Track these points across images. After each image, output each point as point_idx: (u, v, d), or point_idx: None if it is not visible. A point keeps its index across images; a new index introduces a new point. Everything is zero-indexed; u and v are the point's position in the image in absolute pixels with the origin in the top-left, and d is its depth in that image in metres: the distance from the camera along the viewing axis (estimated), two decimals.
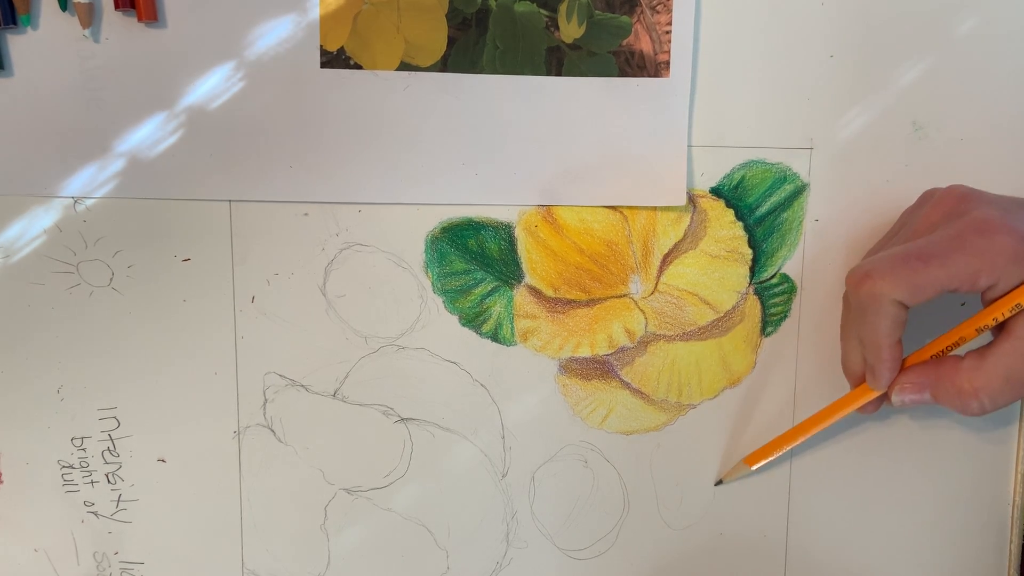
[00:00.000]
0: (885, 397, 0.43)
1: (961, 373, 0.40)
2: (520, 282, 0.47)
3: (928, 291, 0.38)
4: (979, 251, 0.38)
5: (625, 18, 0.45)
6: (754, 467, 0.47)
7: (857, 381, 0.44)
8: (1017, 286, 0.38)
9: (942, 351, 0.42)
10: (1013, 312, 0.39)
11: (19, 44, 0.43)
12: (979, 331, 0.40)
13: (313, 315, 0.46)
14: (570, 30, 0.44)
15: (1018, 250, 0.38)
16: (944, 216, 0.40)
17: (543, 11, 0.44)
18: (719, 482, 0.49)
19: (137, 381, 0.46)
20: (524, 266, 0.47)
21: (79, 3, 0.42)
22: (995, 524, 0.50)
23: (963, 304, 0.47)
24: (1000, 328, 0.40)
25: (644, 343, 0.48)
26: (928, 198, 0.43)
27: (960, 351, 0.42)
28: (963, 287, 0.38)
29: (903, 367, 0.42)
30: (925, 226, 0.41)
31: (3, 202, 0.44)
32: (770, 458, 0.47)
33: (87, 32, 0.42)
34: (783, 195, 0.47)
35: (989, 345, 0.40)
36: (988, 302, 0.40)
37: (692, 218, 0.47)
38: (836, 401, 0.45)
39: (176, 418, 0.47)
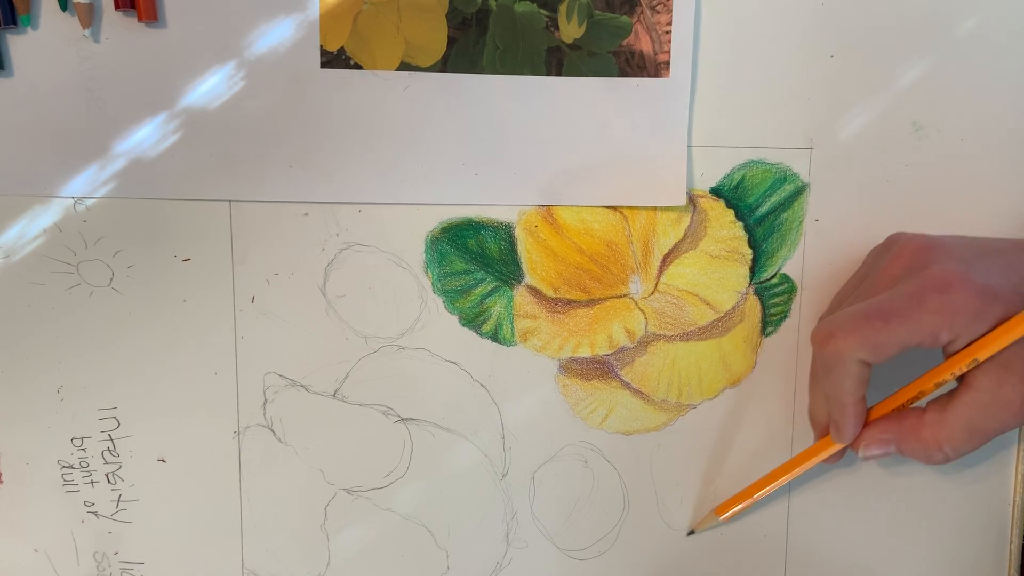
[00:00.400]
0: (848, 447, 0.44)
1: (924, 427, 0.41)
2: (520, 282, 0.47)
3: (891, 349, 0.39)
4: (938, 309, 0.38)
5: (625, 18, 0.45)
6: (723, 517, 0.47)
7: (822, 432, 0.45)
8: (974, 341, 0.39)
9: (903, 404, 0.42)
10: (970, 367, 0.40)
11: (19, 44, 0.43)
12: (938, 385, 0.41)
13: (313, 315, 0.46)
14: (570, 30, 0.44)
15: (976, 306, 0.38)
16: (905, 270, 0.41)
17: (543, 11, 0.44)
18: (691, 532, 0.49)
19: (137, 381, 0.46)
20: (524, 266, 0.47)
21: (79, 3, 0.42)
22: (995, 524, 0.50)
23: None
24: (960, 378, 0.41)
25: (644, 343, 0.48)
26: (892, 244, 0.43)
27: (921, 402, 0.42)
28: (925, 343, 0.39)
29: (867, 420, 0.43)
30: (886, 281, 0.41)
31: (3, 202, 0.44)
32: (739, 507, 0.47)
33: (87, 32, 0.42)
34: (783, 195, 0.47)
35: (950, 396, 0.41)
36: (949, 355, 0.40)
37: (692, 218, 0.47)
38: (802, 453, 0.45)
39: (176, 418, 0.47)
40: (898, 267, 0.41)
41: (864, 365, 0.40)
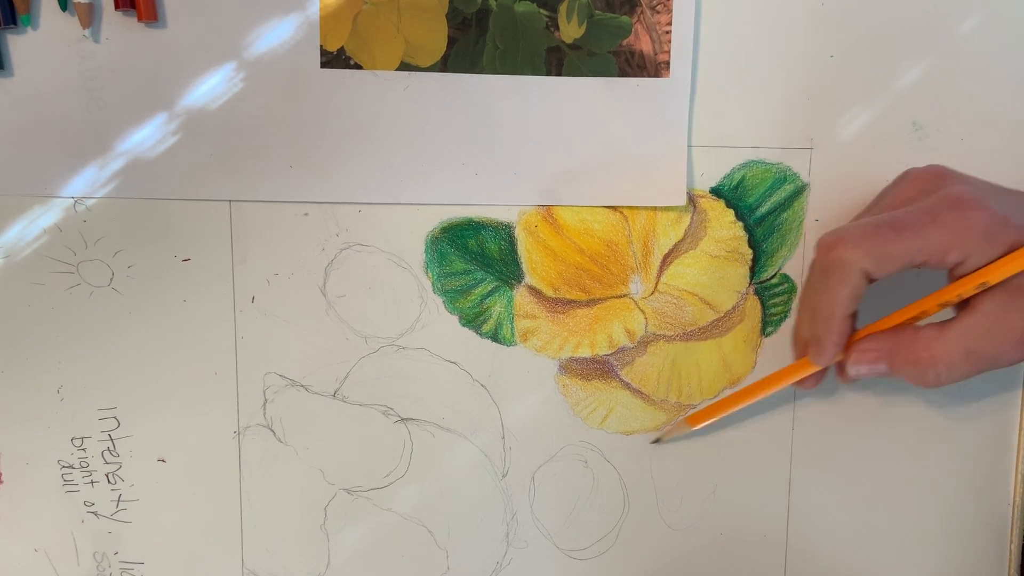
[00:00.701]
0: (823, 373, 0.42)
1: (920, 342, 0.40)
2: (520, 282, 0.47)
3: (896, 262, 0.38)
4: (951, 225, 0.38)
5: (625, 18, 0.45)
6: (696, 427, 0.46)
7: (802, 353, 0.43)
8: (985, 264, 0.38)
9: (902, 324, 0.41)
10: (978, 290, 0.38)
11: (19, 44, 0.43)
12: (942, 306, 0.40)
13: (313, 315, 0.46)
14: (570, 30, 0.44)
15: (989, 227, 0.38)
16: (919, 192, 0.40)
17: (543, 11, 0.44)
18: (657, 440, 0.48)
19: (137, 381, 0.46)
20: (524, 266, 0.47)
21: (79, 3, 0.42)
22: (995, 524, 0.50)
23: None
24: (964, 305, 0.40)
25: (644, 343, 0.48)
26: (906, 175, 0.43)
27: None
28: (932, 260, 0.38)
29: (858, 338, 0.41)
30: (900, 200, 0.41)
31: (3, 202, 0.44)
32: (711, 420, 0.46)
33: (87, 32, 0.42)
34: (783, 195, 0.47)
35: (951, 319, 0.40)
36: (955, 279, 0.39)
37: (692, 218, 0.47)
38: (777, 372, 0.44)
39: (176, 418, 0.47)
40: (914, 190, 0.41)
41: (864, 277, 0.39)
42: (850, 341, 0.41)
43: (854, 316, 0.41)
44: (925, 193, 0.40)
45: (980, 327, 0.39)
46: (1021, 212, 0.39)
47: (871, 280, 0.39)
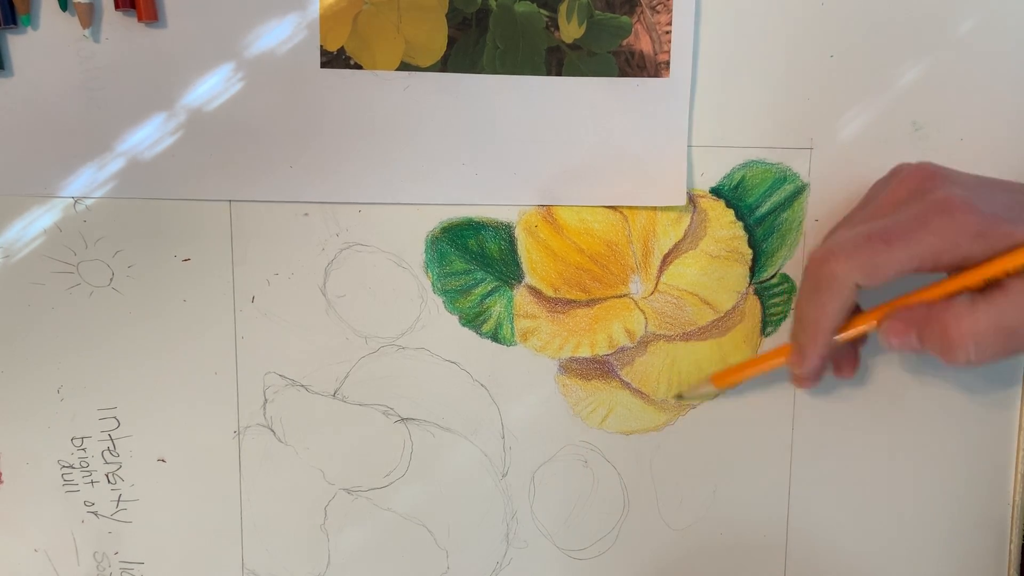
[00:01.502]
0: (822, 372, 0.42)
1: (950, 317, 0.38)
2: (520, 282, 0.47)
3: (888, 272, 0.38)
4: (941, 230, 0.38)
5: (625, 18, 0.45)
6: (720, 388, 0.46)
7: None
8: (982, 262, 0.38)
9: (932, 299, 0.40)
10: (1006, 275, 0.38)
11: (19, 44, 0.43)
12: (967, 288, 0.39)
13: (313, 315, 0.46)
14: (570, 30, 0.44)
15: (980, 227, 0.37)
16: (909, 194, 0.40)
17: (543, 11, 0.44)
18: (679, 395, 0.48)
19: (137, 381, 0.46)
20: (524, 266, 0.47)
21: (79, 3, 0.42)
22: (995, 524, 0.50)
23: None
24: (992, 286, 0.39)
25: (644, 343, 0.48)
26: (896, 173, 0.42)
27: None
28: (925, 266, 0.38)
29: (888, 311, 0.40)
30: (890, 204, 0.41)
31: (3, 202, 0.44)
32: (735, 382, 0.46)
33: (87, 32, 0.42)
34: (783, 195, 0.47)
35: (983, 293, 0.39)
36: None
37: (692, 218, 0.47)
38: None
39: (176, 418, 0.47)
40: (903, 192, 0.40)
41: (856, 289, 0.39)
42: (882, 313, 0.41)
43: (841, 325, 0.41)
44: (914, 195, 0.40)
45: (1013, 303, 0.38)
46: (1011, 210, 0.38)
47: (858, 290, 0.39)
